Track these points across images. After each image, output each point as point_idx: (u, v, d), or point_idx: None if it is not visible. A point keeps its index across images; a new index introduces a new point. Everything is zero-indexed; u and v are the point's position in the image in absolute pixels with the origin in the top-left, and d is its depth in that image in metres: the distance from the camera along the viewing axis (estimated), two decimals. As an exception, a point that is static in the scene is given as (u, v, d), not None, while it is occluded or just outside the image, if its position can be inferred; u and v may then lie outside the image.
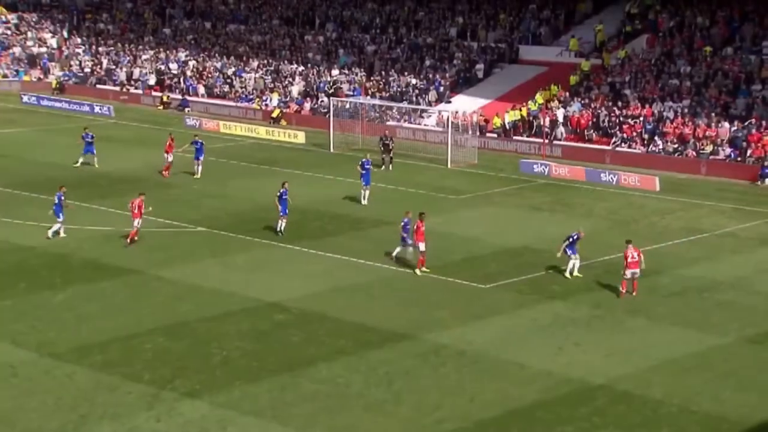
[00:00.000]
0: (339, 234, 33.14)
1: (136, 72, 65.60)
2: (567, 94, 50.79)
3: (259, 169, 42.91)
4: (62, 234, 31.61)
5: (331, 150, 48.13)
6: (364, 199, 36.79)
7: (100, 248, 30.93)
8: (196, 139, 41.82)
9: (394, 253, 29.59)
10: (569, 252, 28.26)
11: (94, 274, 28.43)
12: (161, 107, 60.70)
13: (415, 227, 28.63)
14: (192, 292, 27.15)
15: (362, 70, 59.08)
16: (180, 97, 61.37)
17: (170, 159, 41.09)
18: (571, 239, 28.31)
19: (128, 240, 31.14)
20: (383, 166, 43.08)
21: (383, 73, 58.01)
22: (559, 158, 45.94)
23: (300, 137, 50.43)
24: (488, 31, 58.95)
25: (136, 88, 64.31)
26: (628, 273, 26.65)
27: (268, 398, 20.73)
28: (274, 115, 55.72)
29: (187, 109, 59.35)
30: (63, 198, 31.86)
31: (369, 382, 21.49)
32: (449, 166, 44.61)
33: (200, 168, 40.95)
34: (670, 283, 28.21)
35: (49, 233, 31.49)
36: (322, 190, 39.81)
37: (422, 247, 28.36)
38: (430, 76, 56.19)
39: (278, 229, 32.35)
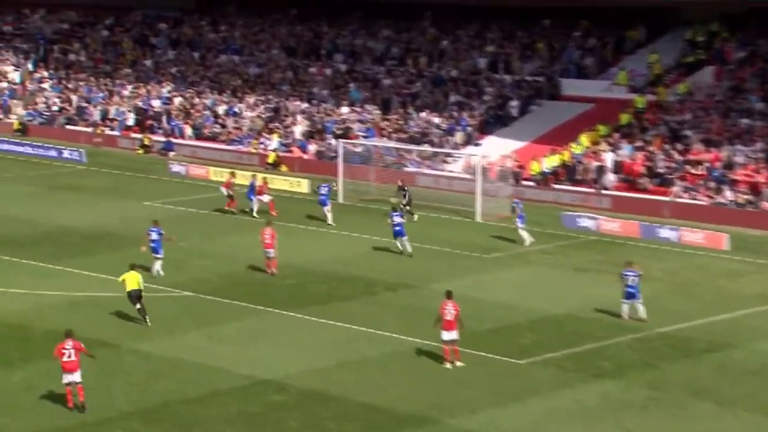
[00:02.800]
0: (349, 299, 33.13)
1: (112, 110, 66.29)
2: (617, 135, 50.97)
3: (254, 222, 43.01)
4: (161, 272, 34.82)
5: (341, 200, 48.27)
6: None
7: (66, 317, 30.86)
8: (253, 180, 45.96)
9: (624, 314, 30.76)
10: None
11: (59, 346, 28.36)
12: (141, 151, 61.22)
13: (441, 312, 27.20)
14: (173, 367, 27.11)
15: (376, 107, 59.56)
16: (163, 139, 61.93)
17: (229, 193, 45.26)
18: None
19: (269, 271, 35.52)
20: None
21: (401, 110, 58.45)
22: (608, 210, 45.94)
23: (303, 185, 50.64)
24: (524, 62, 59.43)
25: (111, 129, 64.92)
26: None
27: (261, 495, 20.57)
28: (271, 160, 55.92)
29: (171, 153, 59.83)
30: (163, 233, 34.98)
31: (382, 475, 21.32)
32: (478, 219, 44.67)
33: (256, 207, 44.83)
34: (743, 360, 28.08)
35: (157, 272, 34.76)
36: (329, 248, 39.85)
37: (455, 335, 27.20)
38: (456, 114, 56.55)
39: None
